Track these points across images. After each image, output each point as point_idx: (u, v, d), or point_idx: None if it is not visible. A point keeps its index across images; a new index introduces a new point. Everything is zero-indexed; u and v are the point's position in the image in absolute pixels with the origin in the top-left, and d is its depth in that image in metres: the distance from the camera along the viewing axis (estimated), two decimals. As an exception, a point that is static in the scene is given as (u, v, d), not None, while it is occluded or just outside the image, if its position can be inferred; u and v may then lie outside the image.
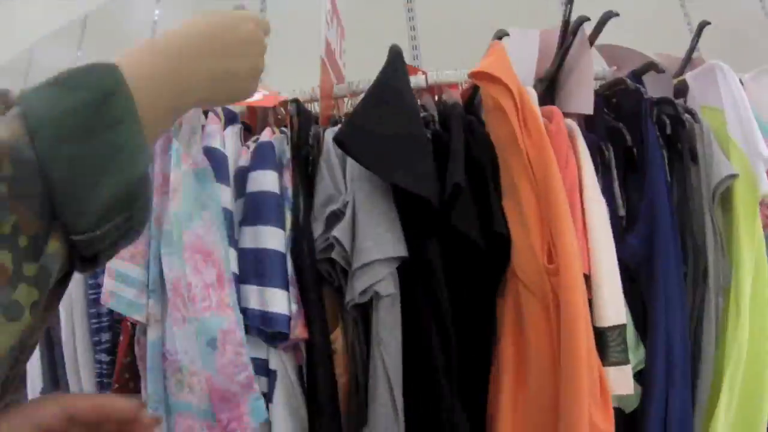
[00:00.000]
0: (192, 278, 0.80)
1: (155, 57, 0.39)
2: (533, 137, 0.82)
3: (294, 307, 0.86)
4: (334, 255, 0.82)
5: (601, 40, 1.18)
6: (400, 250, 0.80)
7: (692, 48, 1.25)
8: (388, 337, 0.79)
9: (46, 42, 2.74)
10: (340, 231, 0.80)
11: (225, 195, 0.90)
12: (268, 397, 0.89)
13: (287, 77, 1.30)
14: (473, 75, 0.84)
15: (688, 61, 1.25)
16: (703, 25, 1.24)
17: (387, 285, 0.79)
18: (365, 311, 0.85)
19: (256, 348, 0.88)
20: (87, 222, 0.32)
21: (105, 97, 0.33)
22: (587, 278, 0.85)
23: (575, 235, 0.80)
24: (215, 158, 0.91)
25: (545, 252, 0.79)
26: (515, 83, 0.83)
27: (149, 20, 2.62)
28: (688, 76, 1.15)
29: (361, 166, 0.82)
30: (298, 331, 0.85)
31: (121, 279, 0.87)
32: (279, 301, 0.84)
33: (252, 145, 0.99)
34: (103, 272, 0.88)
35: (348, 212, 0.81)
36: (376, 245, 0.78)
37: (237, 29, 0.46)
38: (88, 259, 0.35)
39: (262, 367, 0.90)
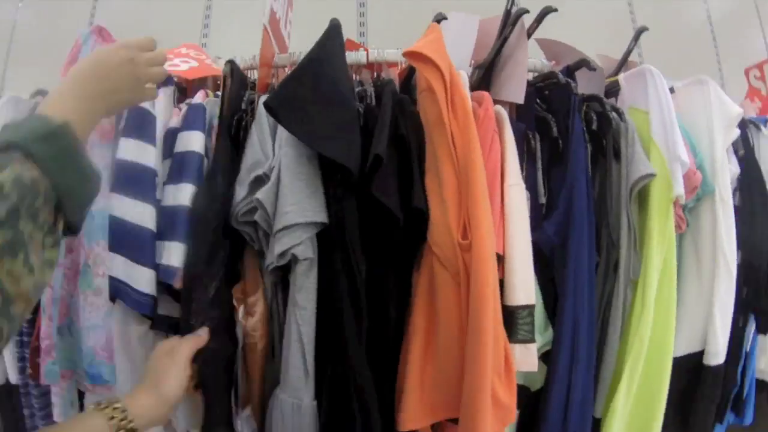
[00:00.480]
0: None
1: (74, 102, 0.63)
2: (459, 119, 0.87)
3: None
4: (256, 218, 0.85)
5: (547, 36, 1.25)
6: (321, 216, 0.84)
7: (629, 51, 1.34)
8: (304, 301, 0.83)
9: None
10: (263, 194, 0.83)
11: (149, 155, 0.93)
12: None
13: (235, 45, 1.33)
14: (407, 54, 0.89)
15: (624, 63, 1.35)
16: (640, 31, 1.33)
17: (305, 249, 0.83)
18: (286, 277, 0.90)
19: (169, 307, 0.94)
20: (80, 213, 0.59)
21: (73, 143, 0.57)
22: (502, 259, 0.92)
23: (491, 215, 0.86)
24: (142, 118, 0.94)
25: (460, 229, 0.84)
26: (447, 65, 0.88)
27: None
28: (621, 77, 1.24)
29: (289, 133, 0.86)
30: None
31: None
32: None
33: (184, 107, 1.02)
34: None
35: (273, 176, 0.85)
36: (297, 209, 0.81)
37: (108, 60, 0.69)
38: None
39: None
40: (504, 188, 0.93)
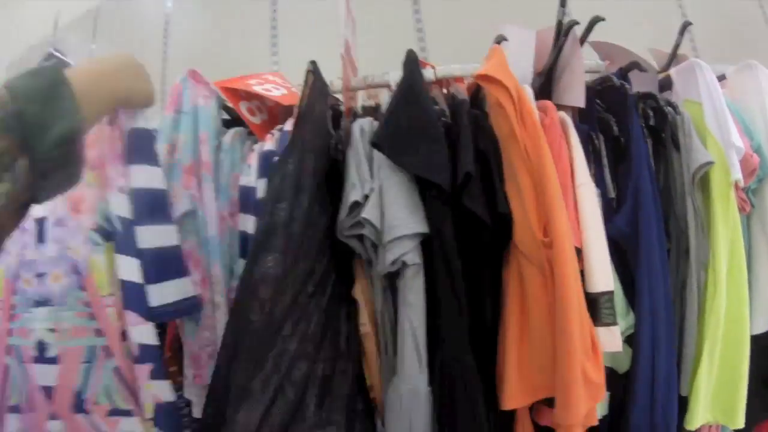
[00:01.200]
0: None
1: (88, 75, 0.75)
2: (529, 130, 1.04)
3: None
4: (365, 232, 1.05)
5: (602, 33, 1.40)
6: (422, 227, 1.03)
7: (677, 45, 1.48)
8: (414, 300, 1.02)
9: (60, 35, 2.95)
10: (369, 213, 1.03)
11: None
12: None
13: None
14: (477, 78, 1.07)
15: (673, 57, 1.49)
16: (685, 25, 1.48)
17: (413, 256, 1.02)
18: (392, 281, 1.08)
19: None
20: (46, 147, 0.60)
21: (54, 82, 0.64)
22: (580, 251, 1.07)
23: (566, 213, 1.02)
24: (139, 137, 1.08)
25: (541, 228, 1.01)
26: (513, 84, 1.06)
27: (161, 12, 2.84)
28: (672, 71, 1.37)
29: (388, 159, 1.05)
30: None
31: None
32: None
33: (277, 133, 1.24)
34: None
35: (375, 196, 1.04)
36: (403, 223, 1.01)
37: (128, 66, 0.89)
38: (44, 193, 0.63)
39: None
40: (575, 187, 1.09)
